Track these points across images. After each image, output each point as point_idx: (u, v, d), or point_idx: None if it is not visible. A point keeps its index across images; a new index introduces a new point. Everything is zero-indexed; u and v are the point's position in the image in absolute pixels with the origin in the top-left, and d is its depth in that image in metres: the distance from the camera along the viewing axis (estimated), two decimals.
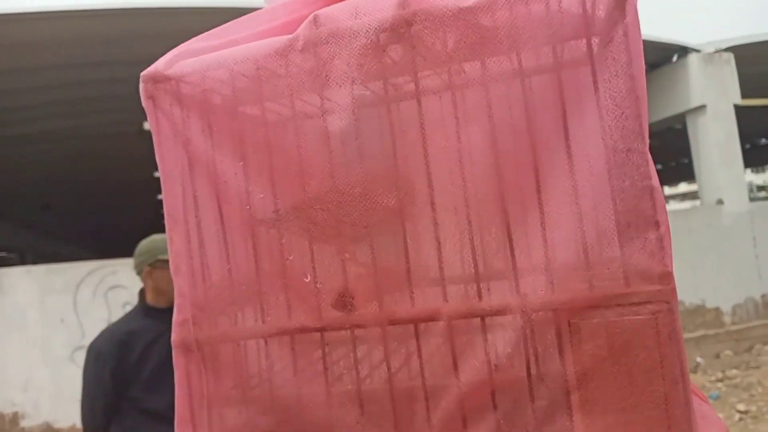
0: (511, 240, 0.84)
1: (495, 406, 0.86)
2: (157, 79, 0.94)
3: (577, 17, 0.80)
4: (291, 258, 0.92)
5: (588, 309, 0.81)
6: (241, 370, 0.95)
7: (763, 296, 9.47)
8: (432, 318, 0.87)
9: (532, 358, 0.85)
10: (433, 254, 0.87)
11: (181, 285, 0.95)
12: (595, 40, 0.79)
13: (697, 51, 9.93)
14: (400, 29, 0.83)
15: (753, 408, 7.23)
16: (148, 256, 2.59)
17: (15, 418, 7.07)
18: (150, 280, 2.59)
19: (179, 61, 0.94)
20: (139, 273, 2.67)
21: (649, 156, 0.80)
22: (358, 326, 0.89)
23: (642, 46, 0.78)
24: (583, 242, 0.81)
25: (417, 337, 0.88)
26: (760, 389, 7.56)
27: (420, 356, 0.88)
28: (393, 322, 0.88)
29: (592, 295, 0.81)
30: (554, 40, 0.81)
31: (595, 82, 0.79)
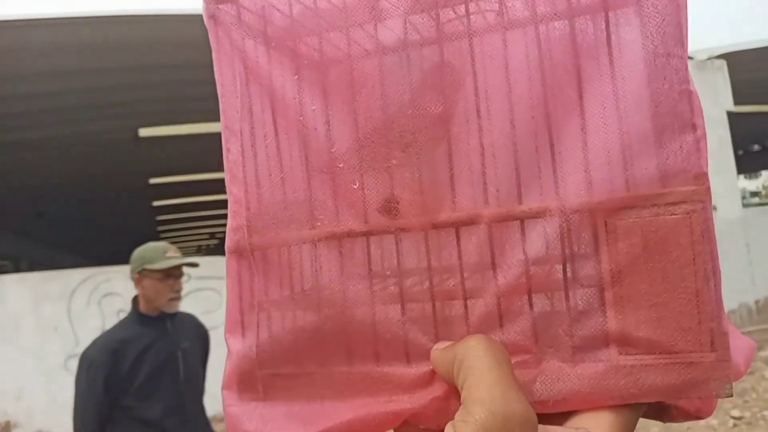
0: (552, 144, 0.88)
1: (531, 306, 0.90)
2: (218, 0, 1.01)
3: None
4: (341, 166, 0.97)
5: (624, 209, 0.85)
6: (291, 273, 1.00)
7: (756, 302, 9.28)
8: (473, 221, 0.91)
9: (569, 259, 0.88)
10: (476, 159, 0.91)
11: (236, 192, 1.01)
12: None
13: (690, 58, 9.76)
14: None
15: (747, 414, 7.10)
16: (137, 264, 2.66)
17: (7, 427, 7.18)
18: (139, 288, 2.65)
19: None
20: (133, 280, 2.74)
21: (687, 62, 0.83)
22: (403, 229, 0.94)
23: None
24: (622, 145, 0.85)
25: (458, 239, 0.92)
26: (754, 395, 7.40)
27: (460, 257, 0.92)
28: (436, 226, 0.93)
29: (629, 196, 0.84)
30: None
31: None
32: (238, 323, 1.03)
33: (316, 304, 0.97)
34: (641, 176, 0.88)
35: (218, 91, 1.04)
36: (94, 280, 7.58)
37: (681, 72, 0.84)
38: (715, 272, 0.86)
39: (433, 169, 0.94)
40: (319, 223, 0.99)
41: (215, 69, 1.04)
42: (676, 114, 0.85)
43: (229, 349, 1.02)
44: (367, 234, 0.96)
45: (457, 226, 0.93)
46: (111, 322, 7.03)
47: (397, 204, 0.96)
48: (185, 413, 2.76)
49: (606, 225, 0.88)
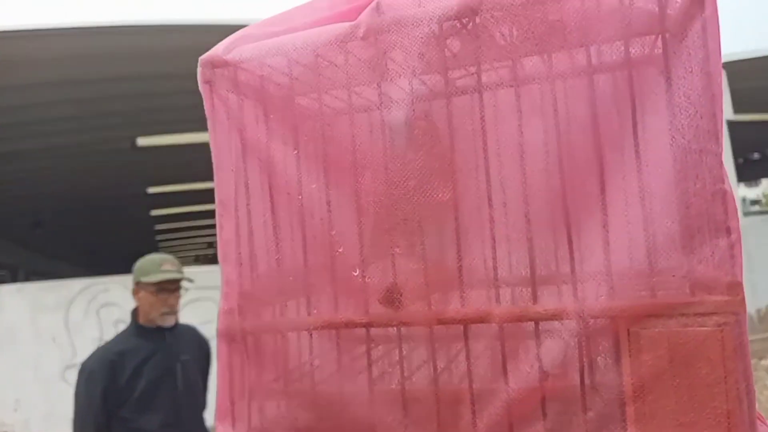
0: (570, 241, 0.80)
1: (544, 415, 0.82)
2: (215, 64, 0.94)
3: (650, 11, 0.76)
4: (341, 251, 0.90)
5: (649, 317, 0.77)
6: (284, 363, 0.93)
7: (758, 311, 9.14)
8: (483, 320, 0.84)
9: (587, 367, 0.81)
10: (487, 253, 0.84)
11: (228, 273, 0.95)
12: (669, 35, 0.75)
13: None
14: (465, 18, 0.80)
15: None
16: (134, 276, 2.63)
17: None
18: (136, 300, 2.62)
19: (238, 46, 0.93)
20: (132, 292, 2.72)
21: (723, 158, 0.76)
22: (405, 324, 0.87)
23: (720, 42, 0.74)
24: (648, 247, 0.77)
25: (466, 338, 0.85)
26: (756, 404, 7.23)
27: (468, 358, 0.85)
28: (442, 322, 0.85)
29: (654, 303, 0.77)
30: (626, 35, 0.78)
31: (668, 79, 0.75)
32: (228, 412, 0.96)
33: (311, 401, 0.90)
34: (668, 283, 0.80)
35: (213, 162, 0.97)
36: (92, 290, 7.54)
37: (715, 170, 0.77)
38: (749, 392, 0.78)
39: (440, 260, 0.87)
40: (316, 311, 0.92)
41: (210, 139, 0.97)
42: (709, 216, 0.77)
43: None
44: (367, 326, 0.89)
45: (466, 323, 0.86)
46: (109, 332, 6.98)
47: (400, 295, 0.88)
48: (183, 426, 2.72)
49: (629, 333, 0.80)
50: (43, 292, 7.50)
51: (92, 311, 7.30)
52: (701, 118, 0.75)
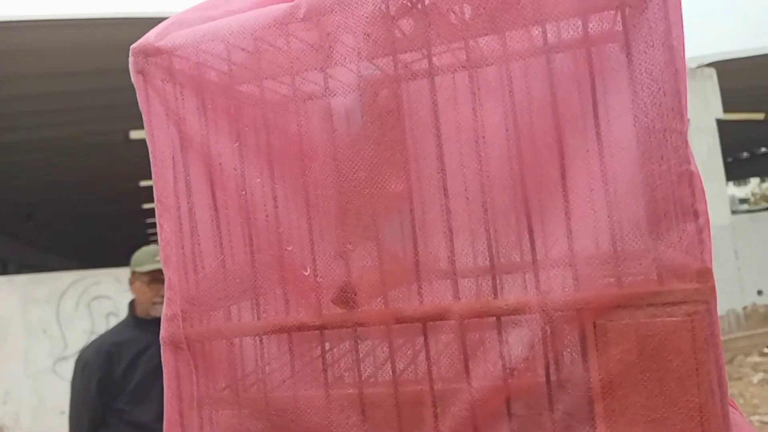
0: (531, 230, 0.75)
1: (510, 415, 0.78)
2: (147, 52, 0.87)
3: None
4: (290, 249, 0.84)
5: (616, 309, 0.73)
6: (234, 370, 0.87)
7: (744, 308, 9.35)
8: (442, 317, 0.79)
9: (552, 363, 0.76)
10: (444, 245, 0.79)
11: (171, 277, 0.88)
12: (628, 8, 0.71)
13: None
14: None
15: None
16: (130, 267, 2.59)
17: None
18: (132, 291, 2.58)
19: (172, 32, 0.86)
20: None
21: (688, 138, 0.71)
22: (361, 324, 0.81)
23: (682, 13, 0.69)
24: (612, 234, 0.73)
25: (425, 337, 0.80)
26: (741, 400, 7.41)
27: (428, 358, 0.80)
28: (399, 321, 0.80)
29: (621, 293, 0.73)
30: (583, 9, 0.73)
31: (628, 54, 0.71)
32: (177, 423, 0.90)
33: (263, 411, 0.84)
34: (635, 271, 0.76)
35: (150, 157, 0.91)
36: (84, 282, 7.40)
37: (681, 150, 0.72)
38: (722, 384, 0.74)
39: (395, 256, 0.82)
40: (265, 314, 0.87)
41: (146, 132, 0.90)
42: (676, 199, 0.73)
43: None
44: (320, 328, 0.84)
45: (424, 321, 0.81)
46: (100, 324, 6.88)
47: (355, 294, 0.83)
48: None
49: (595, 327, 0.76)
50: (34, 285, 7.35)
51: (83, 304, 7.17)
52: (664, 94, 0.70)
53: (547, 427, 0.76)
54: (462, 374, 0.79)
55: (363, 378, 0.82)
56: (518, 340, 0.77)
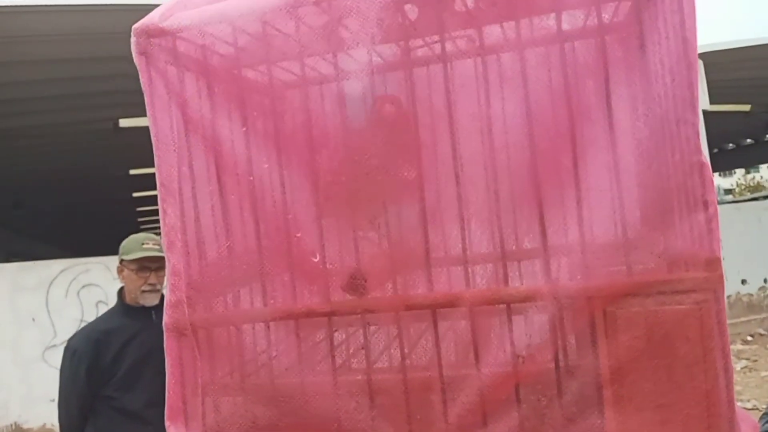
0: (542, 218, 0.76)
1: (519, 401, 0.79)
2: (151, 33, 0.85)
3: None
4: (299, 235, 0.83)
5: (626, 296, 0.74)
6: (239, 356, 0.87)
7: (728, 297, 9.60)
8: (452, 304, 0.79)
9: (562, 350, 0.77)
10: (456, 232, 0.79)
11: (175, 263, 0.87)
12: None
13: None
14: None
15: None
16: (119, 255, 2.56)
17: None
18: (121, 279, 2.55)
19: (176, 12, 0.85)
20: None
21: (699, 128, 0.72)
22: (371, 311, 0.81)
23: (695, 6, 0.70)
24: (623, 222, 0.74)
25: (435, 325, 0.80)
26: None
27: (438, 345, 0.80)
28: (409, 308, 0.80)
29: (631, 282, 0.74)
30: (598, 1, 0.73)
31: (642, 46, 0.71)
32: (179, 411, 0.89)
33: (270, 397, 0.84)
34: (645, 260, 0.77)
35: (153, 142, 0.89)
36: (73, 271, 7.28)
37: (693, 141, 0.73)
38: (728, 370, 0.76)
39: (406, 243, 0.82)
40: (272, 301, 0.86)
41: (148, 115, 0.89)
42: (687, 189, 0.74)
43: None
44: (329, 315, 0.83)
45: (434, 308, 0.81)
46: (90, 313, 6.78)
47: (364, 281, 0.83)
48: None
49: (605, 314, 0.77)
50: (22, 273, 7.20)
51: (73, 292, 7.06)
52: (678, 86, 0.71)
53: (556, 414, 0.77)
54: (471, 361, 0.79)
55: (372, 364, 0.82)
56: (528, 328, 0.78)
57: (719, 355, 0.71)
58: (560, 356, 0.76)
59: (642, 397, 0.72)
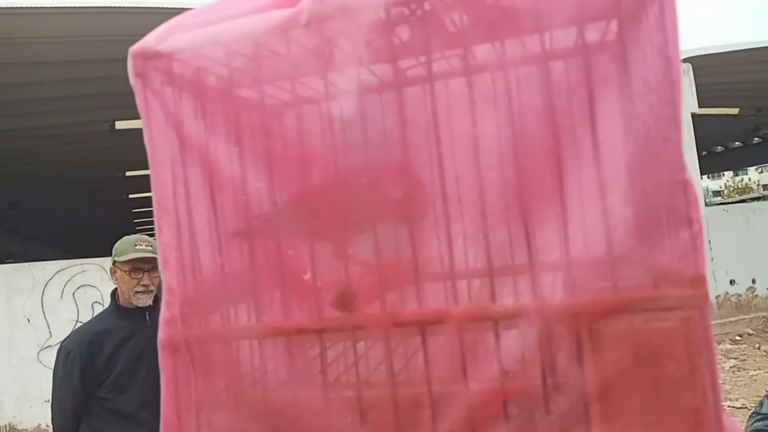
0: (528, 236, 0.77)
1: (507, 417, 0.79)
2: (147, 56, 0.87)
3: None
4: (290, 253, 0.85)
5: (612, 314, 0.74)
6: (232, 372, 0.88)
7: (717, 297, 9.48)
8: (440, 320, 0.80)
9: (549, 366, 0.78)
10: (443, 250, 0.80)
11: (169, 280, 0.88)
12: (625, 18, 0.72)
13: None
14: (413, 4, 0.76)
15: None
16: (112, 256, 2.58)
17: None
18: (114, 280, 2.58)
19: (172, 35, 0.87)
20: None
21: (682, 146, 0.73)
22: (360, 328, 0.82)
23: (678, 25, 0.71)
24: (608, 240, 0.74)
25: (424, 341, 0.81)
26: None
27: (426, 361, 0.81)
28: (398, 324, 0.81)
29: (617, 299, 0.74)
30: (581, 19, 0.74)
31: (625, 65, 0.72)
32: (174, 426, 0.91)
33: (262, 413, 0.85)
34: (630, 277, 0.77)
35: (149, 161, 0.91)
36: (69, 271, 7.37)
37: (676, 158, 0.74)
38: (715, 387, 0.76)
39: (395, 260, 0.83)
40: (265, 317, 0.87)
41: (145, 137, 0.91)
42: (671, 207, 0.75)
43: None
44: (320, 331, 0.84)
45: (423, 325, 0.82)
46: (85, 314, 6.84)
47: (354, 298, 0.84)
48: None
49: (591, 331, 0.77)
50: (18, 274, 7.29)
51: (68, 293, 7.12)
52: (661, 104, 0.72)
53: (544, 430, 0.77)
54: (460, 377, 0.80)
55: (361, 380, 0.83)
56: (515, 344, 0.78)
57: (707, 372, 0.71)
58: (547, 373, 0.76)
59: (629, 414, 0.72)
